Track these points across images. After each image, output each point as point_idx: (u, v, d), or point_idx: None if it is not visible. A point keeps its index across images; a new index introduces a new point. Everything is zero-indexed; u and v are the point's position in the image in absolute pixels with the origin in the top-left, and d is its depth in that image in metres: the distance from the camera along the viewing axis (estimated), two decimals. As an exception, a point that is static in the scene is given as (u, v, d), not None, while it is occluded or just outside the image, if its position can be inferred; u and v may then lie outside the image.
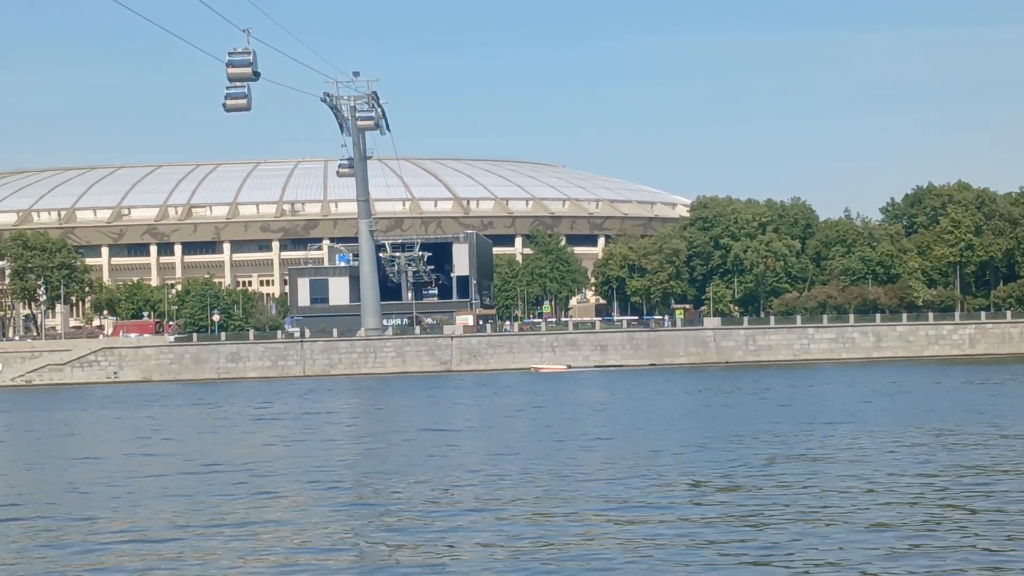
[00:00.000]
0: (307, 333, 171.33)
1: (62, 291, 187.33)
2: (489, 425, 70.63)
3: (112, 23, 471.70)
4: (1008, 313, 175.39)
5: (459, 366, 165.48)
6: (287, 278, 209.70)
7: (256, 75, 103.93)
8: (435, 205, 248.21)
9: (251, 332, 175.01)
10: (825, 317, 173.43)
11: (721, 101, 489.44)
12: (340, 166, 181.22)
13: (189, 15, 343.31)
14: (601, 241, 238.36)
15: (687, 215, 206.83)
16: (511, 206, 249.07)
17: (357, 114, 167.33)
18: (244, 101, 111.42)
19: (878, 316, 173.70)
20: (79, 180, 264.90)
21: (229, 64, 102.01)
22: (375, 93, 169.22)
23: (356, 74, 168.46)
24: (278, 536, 31.64)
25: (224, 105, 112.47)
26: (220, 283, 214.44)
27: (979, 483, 38.64)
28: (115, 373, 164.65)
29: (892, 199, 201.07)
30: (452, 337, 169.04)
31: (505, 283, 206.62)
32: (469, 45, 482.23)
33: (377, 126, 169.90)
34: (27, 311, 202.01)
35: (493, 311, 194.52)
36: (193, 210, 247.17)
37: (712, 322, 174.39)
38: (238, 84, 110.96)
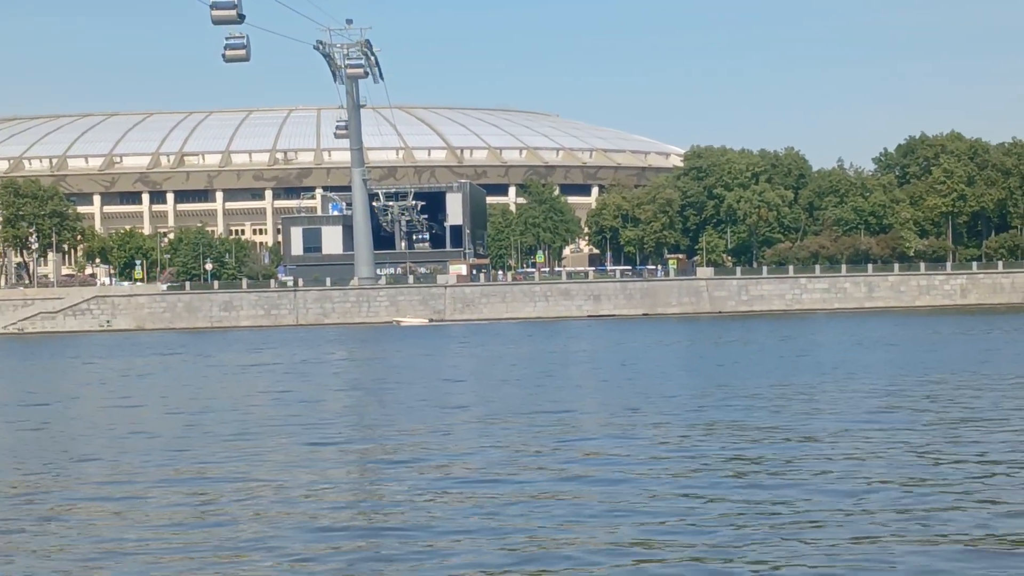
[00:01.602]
0: (300, 282, 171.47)
1: (54, 239, 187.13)
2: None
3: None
4: (1000, 263, 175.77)
5: (452, 316, 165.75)
6: (280, 227, 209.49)
7: (241, 18, 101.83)
8: (429, 154, 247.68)
9: (244, 281, 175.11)
10: (817, 267, 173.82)
11: (715, 50, 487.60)
12: (337, 127, 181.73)
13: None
14: (595, 191, 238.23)
15: (681, 165, 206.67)
16: (505, 155, 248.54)
17: (348, 62, 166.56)
18: (243, 52, 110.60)
19: (870, 266, 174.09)
20: (71, 127, 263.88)
21: (213, 7, 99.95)
22: (368, 41, 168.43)
23: (349, 22, 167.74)
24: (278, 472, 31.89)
25: (223, 56, 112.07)
26: (213, 232, 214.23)
27: None
28: (108, 322, 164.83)
29: (885, 149, 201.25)
30: (445, 287, 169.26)
31: (499, 233, 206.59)
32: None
33: (367, 74, 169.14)
34: (19, 259, 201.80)
35: (486, 261, 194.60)
36: (185, 158, 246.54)
37: (705, 272, 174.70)
38: (236, 35, 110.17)
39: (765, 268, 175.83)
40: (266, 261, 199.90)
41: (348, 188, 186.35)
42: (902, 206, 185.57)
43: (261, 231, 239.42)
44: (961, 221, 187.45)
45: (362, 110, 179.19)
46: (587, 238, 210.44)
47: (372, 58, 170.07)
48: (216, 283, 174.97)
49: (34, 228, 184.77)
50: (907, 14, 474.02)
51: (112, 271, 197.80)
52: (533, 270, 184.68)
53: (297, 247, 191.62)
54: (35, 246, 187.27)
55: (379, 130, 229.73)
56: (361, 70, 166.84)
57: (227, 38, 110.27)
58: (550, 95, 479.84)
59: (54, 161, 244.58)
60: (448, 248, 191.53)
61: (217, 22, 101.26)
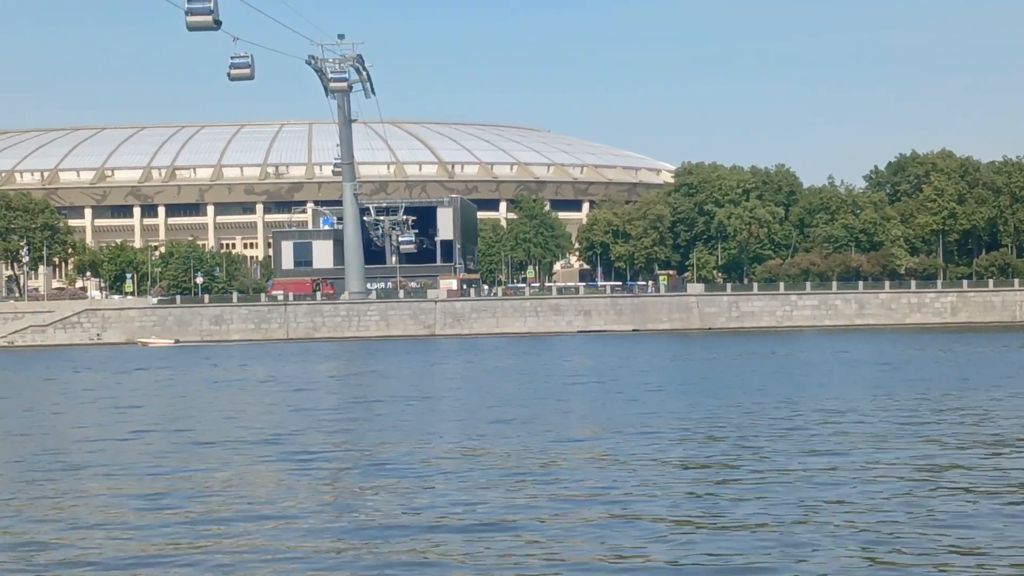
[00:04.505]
0: (291, 296, 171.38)
1: (45, 252, 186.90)
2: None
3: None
4: (990, 282, 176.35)
5: (443, 330, 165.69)
6: (271, 241, 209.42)
7: (217, 24, 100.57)
8: (420, 169, 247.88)
9: (235, 295, 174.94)
10: (808, 284, 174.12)
11: (707, 66, 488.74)
12: (335, 167, 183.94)
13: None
14: (585, 206, 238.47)
15: (671, 181, 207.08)
16: (496, 170, 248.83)
17: (334, 75, 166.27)
18: (248, 71, 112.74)
19: (860, 284, 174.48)
20: (62, 141, 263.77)
21: (188, 12, 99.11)
22: (360, 56, 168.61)
23: (341, 37, 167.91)
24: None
25: (228, 74, 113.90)
26: (204, 245, 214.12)
27: None
28: (98, 335, 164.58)
29: (876, 167, 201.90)
30: (436, 301, 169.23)
31: (489, 248, 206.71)
32: (455, 7, 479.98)
33: (352, 88, 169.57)
34: (9, 272, 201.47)
35: (477, 276, 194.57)
36: (177, 172, 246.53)
37: (695, 288, 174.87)
38: (241, 55, 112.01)
39: (755, 285, 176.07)
40: (257, 275, 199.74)
41: (339, 202, 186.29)
42: (892, 223, 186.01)
43: (252, 245, 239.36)
44: (952, 239, 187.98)
45: (354, 125, 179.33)
46: (578, 253, 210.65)
47: (364, 73, 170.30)
48: (206, 296, 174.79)
49: (25, 241, 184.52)
50: (898, 32, 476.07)
51: (103, 284, 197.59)
52: (524, 285, 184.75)
53: (288, 261, 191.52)
54: (26, 259, 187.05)
55: (370, 145, 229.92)
56: (345, 84, 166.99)
57: (232, 57, 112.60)
58: (541, 111, 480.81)
59: (45, 174, 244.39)
60: (439, 263, 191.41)
61: (192, 28, 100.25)
